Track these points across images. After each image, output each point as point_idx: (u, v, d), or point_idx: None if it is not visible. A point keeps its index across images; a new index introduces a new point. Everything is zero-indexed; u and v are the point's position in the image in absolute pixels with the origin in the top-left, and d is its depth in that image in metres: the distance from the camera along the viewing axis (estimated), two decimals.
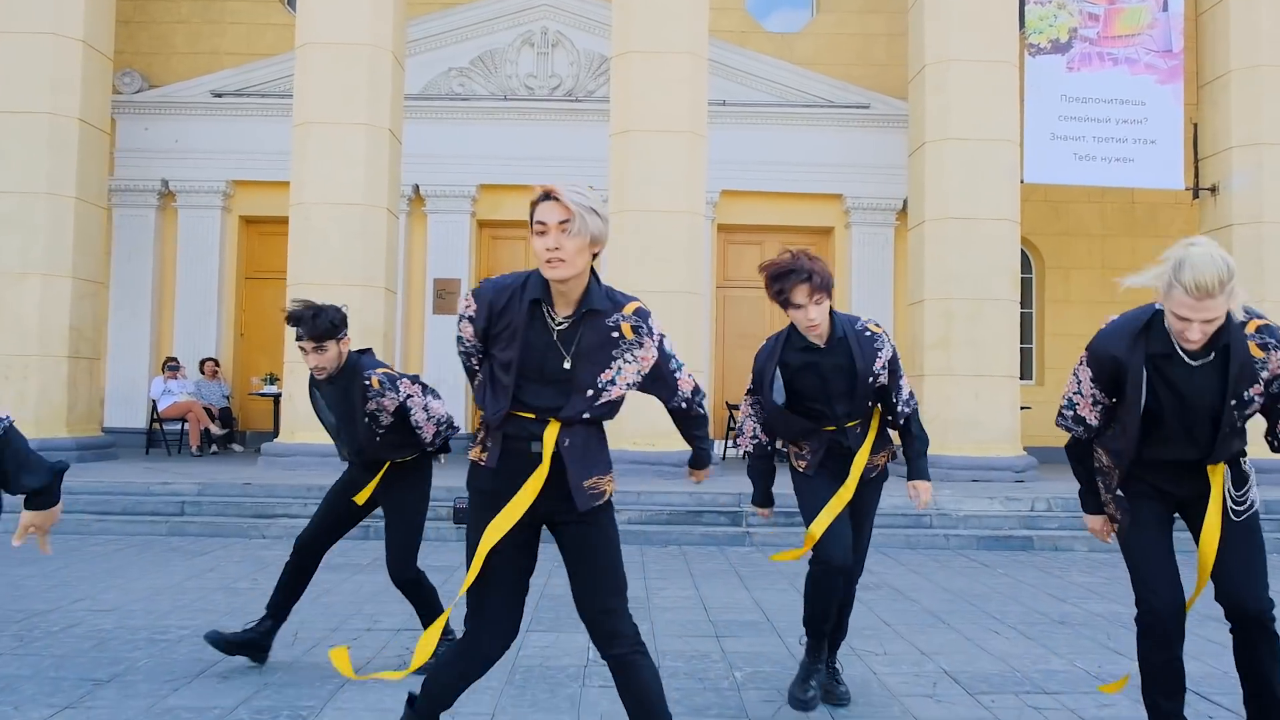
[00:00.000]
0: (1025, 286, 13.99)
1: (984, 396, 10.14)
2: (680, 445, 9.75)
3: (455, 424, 4.29)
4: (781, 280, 3.45)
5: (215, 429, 12.17)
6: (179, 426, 12.15)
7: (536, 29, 13.39)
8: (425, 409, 4.11)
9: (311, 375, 4.14)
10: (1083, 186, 13.07)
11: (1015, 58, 10.46)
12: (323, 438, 9.71)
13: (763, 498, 4.02)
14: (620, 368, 2.62)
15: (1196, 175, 11.29)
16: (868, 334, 3.58)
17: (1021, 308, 13.69)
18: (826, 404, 3.60)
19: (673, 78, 10.07)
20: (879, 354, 3.56)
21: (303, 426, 9.97)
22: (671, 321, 9.75)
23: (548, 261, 2.47)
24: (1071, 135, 11.10)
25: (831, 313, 3.57)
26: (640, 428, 9.67)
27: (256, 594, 5.58)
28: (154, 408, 12.10)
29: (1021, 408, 12.02)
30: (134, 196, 13.21)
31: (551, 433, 2.56)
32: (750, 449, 3.91)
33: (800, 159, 13.22)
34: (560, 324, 2.59)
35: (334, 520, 4.29)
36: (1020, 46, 10.89)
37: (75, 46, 10.35)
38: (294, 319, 4.01)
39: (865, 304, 13.23)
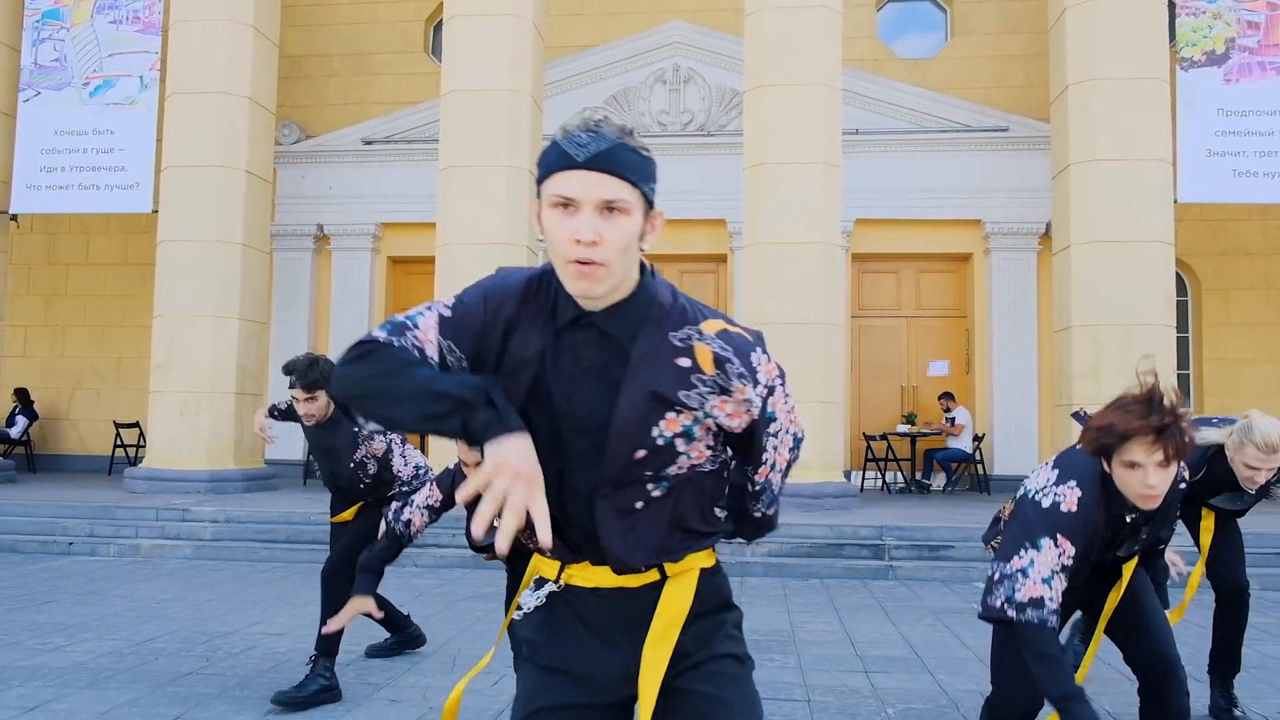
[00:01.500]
0: (1181, 310, 13.37)
1: None
2: (818, 477, 9.70)
3: (429, 469, 4.69)
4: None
5: None
6: None
7: (668, 66, 13.62)
8: (403, 455, 4.56)
9: (301, 420, 4.43)
10: (1245, 205, 12.49)
11: (1165, 73, 10.09)
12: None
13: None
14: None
15: None
16: None
17: (1177, 332, 13.13)
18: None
19: (806, 110, 10.09)
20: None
21: (451, 455, 10.30)
22: (807, 352, 9.74)
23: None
24: (1230, 151, 10.62)
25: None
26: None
27: (414, 617, 5.80)
28: None
29: None
30: (292, 241, 13.97)
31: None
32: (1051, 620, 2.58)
33: (936, 185, 13.01)
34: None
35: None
36: (1171, 59, 10.50)
37: (243, 104, 11.09)
38: (289, 369, 4.32)
39: (1007, 332, 12.88)
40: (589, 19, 14.59)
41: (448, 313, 1.61)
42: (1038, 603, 2.51)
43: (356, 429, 4.28)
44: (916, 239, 13.32)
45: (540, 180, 1.54)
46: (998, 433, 12.82)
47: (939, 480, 12.73)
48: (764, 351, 1.60)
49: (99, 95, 11.85)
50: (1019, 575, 2.56)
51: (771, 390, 1.60)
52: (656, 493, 1.59)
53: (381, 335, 1.57)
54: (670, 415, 1.55)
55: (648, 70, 13.66)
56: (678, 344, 1.56)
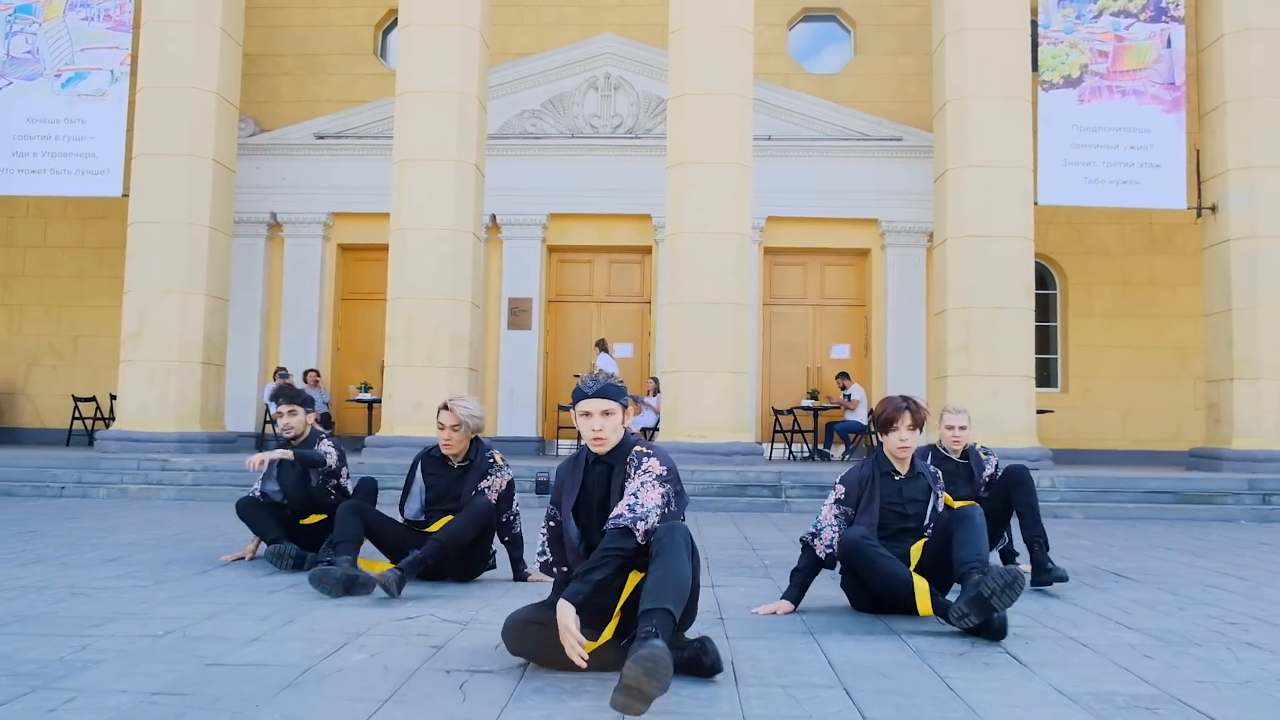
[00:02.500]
0: (1050, 301, 15.16)
1: (1001, 394, 11.34)
2: (728, 437, 11.12)
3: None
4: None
5: (321, 429, 13.75)
6: None
7: (600, 74, 14.97)
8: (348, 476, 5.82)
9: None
10: (1103, 209, 14.28)
11: (1028, 93, 11.74)
12: (416, 431, 11.27)
13: (797, 597, 4.32)
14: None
15: (1200, 196, 12.42)
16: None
17: (1047, 321, 14.90)
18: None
19: (722, 116, 11.51)
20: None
21: (400, 422, 11.51)
22: (720, 328, 11.16)
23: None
24: (1083, 161, 12.32)
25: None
26: (692, 422, 11.05)
27: None
28: (267, 410, 13.75)
29: (1045, 411, 13.20)
30: (247, 228, 14.96)
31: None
32: (823, 556, 4.29)
33: (839, 187, 14.59)
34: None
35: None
36: (1033, 82, 12.18)
37: (210, 98, 12.13)
38: (282, 391, 5.78)
39: (900, 319, 14.51)
40: (527, 29, 15.88)
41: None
42: (814, 525, 4.36)
43: (323, 436, 5.78)
44: (822, 235, 14.88)
45: (573, 405, 3.33)
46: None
47: (838, 450, 14.28)
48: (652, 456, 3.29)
49: (71, 86, 12.75)
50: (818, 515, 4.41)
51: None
52: None
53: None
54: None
55: (582, 77, 14.99)
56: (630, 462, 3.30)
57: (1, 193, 12.89)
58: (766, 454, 13.85)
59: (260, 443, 14.05)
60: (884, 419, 4.22)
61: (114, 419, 14.25)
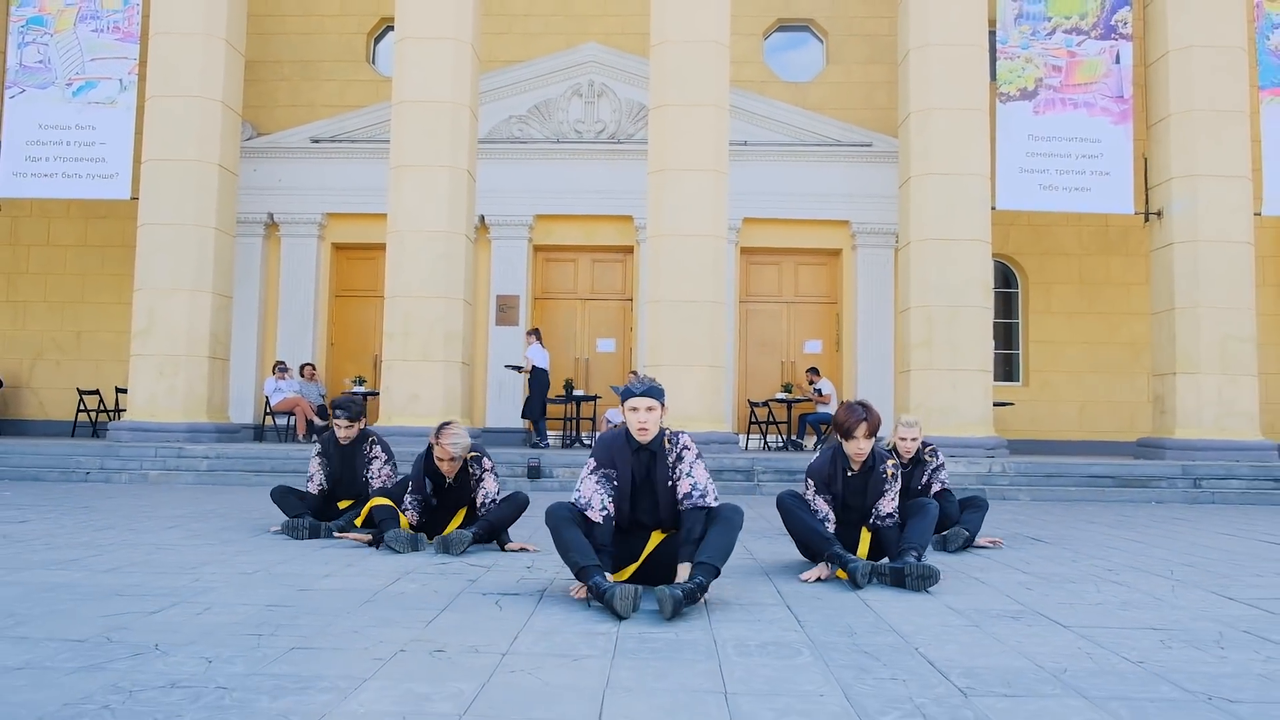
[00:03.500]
0: (1011, 300, 16.03)
1: (960, 387, 12.18)
2: (705, 427, 11.91)
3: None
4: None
5: (318, 420, 14.48)
6: (287, 419, 14.48)
7: (584, 81, 15.71)
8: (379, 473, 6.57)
9: (327, 444, 6.48)
10: (1062, 213, 15.14)
11: (986, 105, 12.55)
12: (412, 421, 12.01)
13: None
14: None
15: (1147, 201, 13.29)
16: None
17: (1009, 318, 15.75)
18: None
19: (700, 125, 12.27)
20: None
21: (397, 413, 12.23)
22: (698, 325, 11.94)
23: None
24: (1038, 169, 13.16)
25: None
26: (672, 413, 11.80)
27: None
28: (267, 403, 14.45)
29: (1005, 404, 14.06)
30: (245, 228, 15.62)
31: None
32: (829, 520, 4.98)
33: (812, 190, 15.39)
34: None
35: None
36: (991, 93, 13.00)
37: (216, 107, 12.80)
38: (342, 405, 6.47)
39: (869, 316, 15.33)
40: (514, 37, 16.59)
41: (594, 463, 4.29)
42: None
43: (372, 440, 6.53)
44: (795, 236, 15.68)
45: (623, 400, 4.20)
46: (860, 398, 15.22)
47: (810, 441, 15.09)
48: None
49: (81, 95, 13.40)
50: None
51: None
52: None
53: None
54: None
55: (566, 84, 15.72)
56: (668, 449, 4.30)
57: (16, 195, 13.52)
58: (742, 444, 14.64)
59: (260, 434, 14.73)
60: (844, 428, 4.81)
61: (118, 411, 14.93)
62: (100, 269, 16.24)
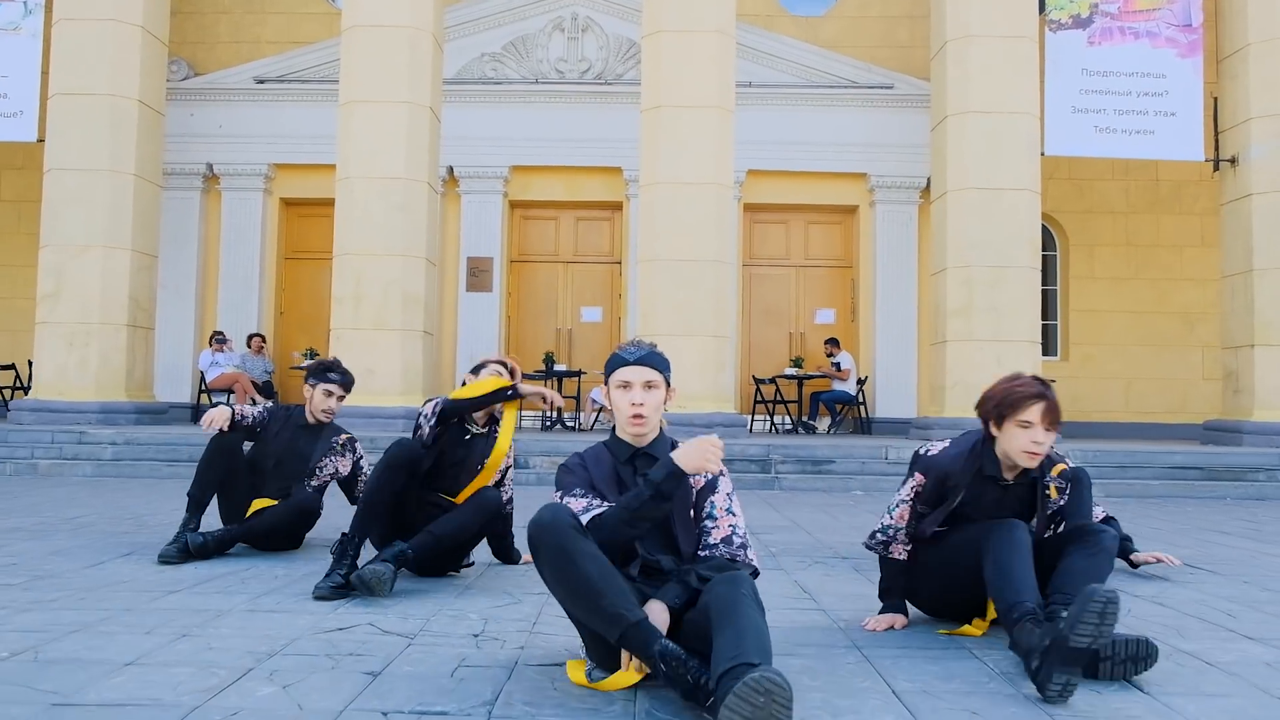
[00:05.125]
0: (1049, 264, 14.24)
1: (1005, 361, 10.36)
2: (709, 407, 10.12)
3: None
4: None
5: (260, 400, 12.61)
6: (225, 398, 12.62)
7: (567, 14, 13.80)
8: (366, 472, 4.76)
9: (280, 414, 4.71)
10: (1106, 163, 13.38)
11: (1035, 33, 10.74)
12: (365, 400, 10.13)
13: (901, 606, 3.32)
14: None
15: (1217, 148, 11.52)
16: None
17: (1046, 284, 13.98)
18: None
19: (701, 54, 10.42)
20: None
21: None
22: (700, 289, 10.13)
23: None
24: (1093, 108, 11.36)
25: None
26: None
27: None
28: (202, 379, 12.59)
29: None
30: (180, 180, 13.69)
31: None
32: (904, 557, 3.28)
33: (825, 139, 13.55)
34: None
35: None
36: (1040, 22, 11.18)
37: (135, 32, 10.88)
38: (333, 367, 4.70)
39: (889, 282, 13.55)
40: None
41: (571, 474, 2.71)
42: (882, 529, 3.23)
43: (335, 439, 4.72)
44: (805, 191, 13.85)
45: (608, 375, 2.70)
46: (880, 376, 13.50)
47: (824, 422, 13.33)
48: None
49: None
50: (884, 513, 3.25)
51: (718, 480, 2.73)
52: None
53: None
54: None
55: (547, 18, 13.81)
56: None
57: None
58: (748, 426, 12.86)
59: (195, 414, 12.86)
60: (1008, 403, 2.98)
61: (29, 388, 13.01)
62: (16, 227, 14.25)
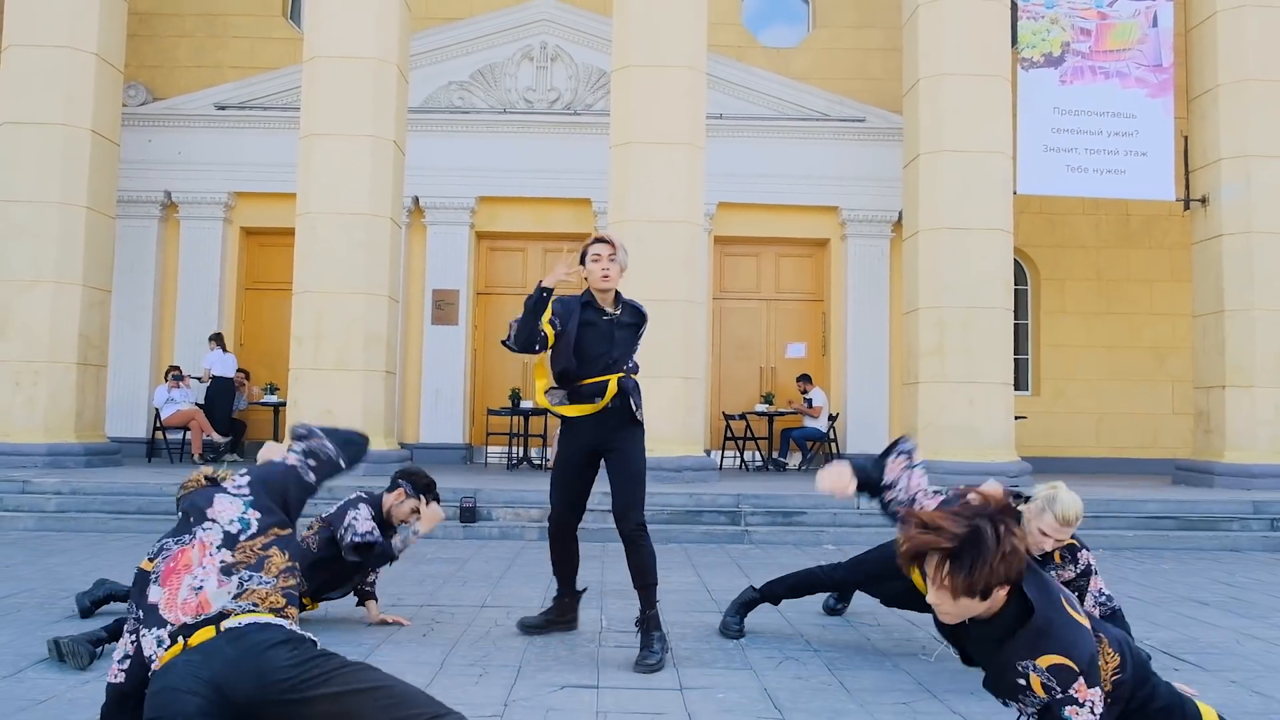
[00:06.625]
0: (1021, 298, 14.15)
1: (978, 403, 10.30)
2: (679, 450, 9.91)
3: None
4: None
5: (217, 438, 12.25)
6: (181, 436, 12.26)
7: (536, 43, 13.60)
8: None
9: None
10: (1078, 199, 13.30)
11: (1008, 71, 10.67)
12: None
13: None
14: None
15: (1187, 187, 11.48)
16: None
17: (1017, 319, 13.88)
18: None
19: (672, 91, 10.25)
20: None
21: None
22: (670, 329, 9.92)
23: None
24: (1064, 147, 11.30)
25: None
26: None
27: None
28: (157, 416, 12.22)
29: (1018, 417, 12.16)
30: (137, 208, 13.34)
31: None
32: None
33: (796, 172, 13.41)
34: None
35: None
36: (1013, 60, 11.11)
37: (89, 60, 10.56)
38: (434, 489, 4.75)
39: (861, 316, 13.42)
40: None
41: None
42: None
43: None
44: (776, 224, 13.71)
45: (583, 256, 4.31)
46: (851, 412, 13.34)
47: (795, 459, 13.16)
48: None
49: None
50: None
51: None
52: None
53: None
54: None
55: (515, 46, 13.61)
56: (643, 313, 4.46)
57: None
58: (718, 464, 12.66)
59: (150, 451, 12.49)
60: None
61: None
62: None
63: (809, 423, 12.85)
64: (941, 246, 10.46)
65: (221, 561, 2.45)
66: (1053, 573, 3.78)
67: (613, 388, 4.17)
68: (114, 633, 4.04)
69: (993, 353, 10.40)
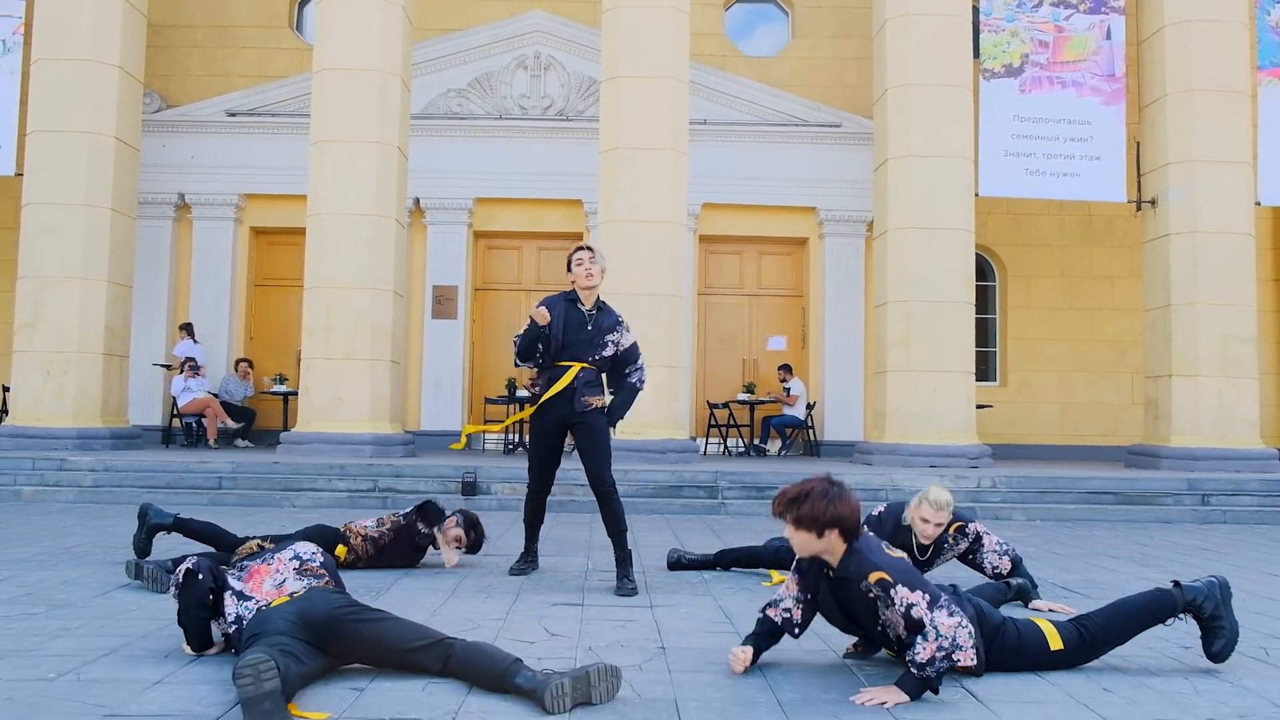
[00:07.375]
0: (989, 294, 15.01)
1: (941, 390, 11.10)
2: (662, 434, 10.71)
3: None
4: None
5: (230, 424, 13.02)
6: (196, 422, 13.01)
7: (530, 53, 14.38)
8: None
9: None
10: (1043, 201, 14.11)
11: (970, 81, 11.47)
12: (335, 426, 10.68)
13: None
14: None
15: (1140, 189, 12.30)
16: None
17: (985, 313, 14.74)
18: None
19: (657, 100, 11.04)
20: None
21: (318, 417, 10.87)
22: (655, 321, 10.72)
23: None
24: (1023, 152, 12.11)
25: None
26: (628, 419, 10.57)
27: None
28: (174, 404, 12.99)
29: (984, 406, 12.99)
30: (152, 209, 14.08)
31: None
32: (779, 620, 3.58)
33: (777, 174, 14.22)
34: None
35: None
36: (975, 71, 11.92)
37: (113, 72, 11.31)
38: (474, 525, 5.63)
39: (837, 310, 14.22)
40: (452, 3, 15.18)
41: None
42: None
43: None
44: (758, 223, 14.51)
45: (570, 262, 5.31)
46: (828, 401, 14.16)
47: (775, 445, 13.96)
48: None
49: None
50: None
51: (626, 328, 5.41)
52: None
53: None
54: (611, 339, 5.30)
55: (510, 56, 14.39)
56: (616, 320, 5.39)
57: None
58: (701, 449, 13.47)
59: (167, 437, 13.26)
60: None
61: (4, 413, 13.35)
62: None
63: (787, 410, 13.66)
64: (908, 245, 11.26)
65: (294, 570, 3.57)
66: (950, 547, 4.94)
67: (572, 374, 5.11)
68: (177, 563, 4.82)
69: (955, 344, 11.20)
